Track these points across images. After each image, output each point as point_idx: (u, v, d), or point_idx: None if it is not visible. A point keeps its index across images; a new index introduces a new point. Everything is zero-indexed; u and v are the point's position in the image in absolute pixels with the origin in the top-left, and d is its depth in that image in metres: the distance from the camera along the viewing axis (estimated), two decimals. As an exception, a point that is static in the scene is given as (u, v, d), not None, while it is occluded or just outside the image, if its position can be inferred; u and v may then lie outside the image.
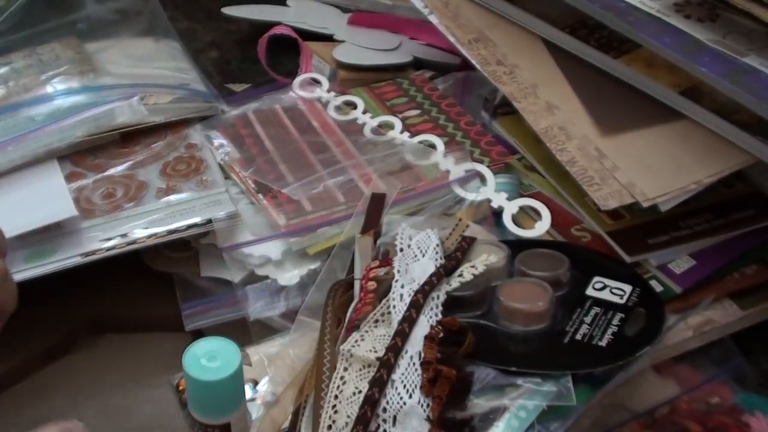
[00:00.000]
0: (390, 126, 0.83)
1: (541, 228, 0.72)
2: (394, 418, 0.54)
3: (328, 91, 0.88)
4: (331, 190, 0.75)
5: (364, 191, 0.74)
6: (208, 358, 0.54)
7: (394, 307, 0.59)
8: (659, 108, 0.71)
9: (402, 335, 0.57)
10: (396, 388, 0.55)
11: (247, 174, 0.77)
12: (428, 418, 0.54)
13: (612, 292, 0.63)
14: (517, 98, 0.74)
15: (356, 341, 0.58)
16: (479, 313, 0.61)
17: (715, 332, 0.67)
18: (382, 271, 0.63)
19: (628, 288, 0.63)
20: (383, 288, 0.62)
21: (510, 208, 0.73)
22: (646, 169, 0.68)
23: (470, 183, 0.75)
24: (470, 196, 0.74)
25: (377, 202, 0.71)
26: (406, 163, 0.77)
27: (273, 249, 0.70)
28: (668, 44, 0.68)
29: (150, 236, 0.70)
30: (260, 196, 0.74)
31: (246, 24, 1.05)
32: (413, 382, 0.55)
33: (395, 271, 0.62)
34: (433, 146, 0.79)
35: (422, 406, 0.54)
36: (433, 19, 0.83)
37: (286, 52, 0.98)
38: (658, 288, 0.66)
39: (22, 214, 0.71)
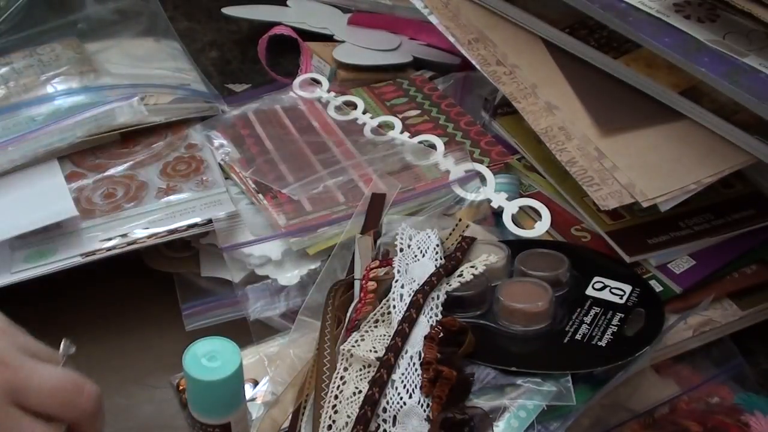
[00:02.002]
0: (390, 126, 0.83)
1: (541, 228, 0.72)
2: (394, 418, 0.54)
3: (328, 91, 0.88)
4: (331, 190, 0.75)
5: (364, 191, 0.74)
6: (208, 358, 0.54)
7: (394, 307, 0.59)
8: (659, 108, 0.71)
9: (402, 335, 0.57)
10: (396, 388, 0.55)
11: (247, 174, 0.77)
12: (428, 418, 0.54)
13: (612, 292, 0.63)
14: (517, 98, 0.74)
15: (356, 341, 0.58)
16: (479, 313, 0.61)
17: (714, 332, 0.67)
18: (382, 271, 0.63)
19: (627, 288, 0.63)
20: (383, 288, 0.62)
21: (510, 208, 0.73)
22: (645, 169, 0.68)
23: (470, 183, 0.75)
24: (470, 196, 0.74)
25: (377, 202, 0.71)
26: (406, 163, 0.77)
27: (273, 249, 0.70)
28: (668, 44, 0.68)
29: (150, 236, 0.70)
30: (260, 196, 0.74)
31: (246, 24, 1.05)
32: (413, 382, 0.55)
33: (395, 271, 0.62)
34: (433, 146, 0.79)
35: (422, 406, 0.54)
36: (433, 19, 0.83)
37: (286, 52, 0.98)
38: (658, 288, 0.66)
39: (22, 214, 0.71)
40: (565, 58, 0.77)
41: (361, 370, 0.57)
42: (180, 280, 0.73)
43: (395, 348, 0.56)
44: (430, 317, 0.59)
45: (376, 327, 0.60)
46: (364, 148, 0.80)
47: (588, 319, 0.61)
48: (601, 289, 0.63)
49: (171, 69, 0.90)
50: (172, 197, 0.74)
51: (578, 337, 0.59)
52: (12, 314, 0.67)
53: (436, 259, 0.64)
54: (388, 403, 0.55)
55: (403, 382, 0.55)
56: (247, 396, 0.60)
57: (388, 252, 0.66)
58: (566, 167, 0.69)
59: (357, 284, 0.63)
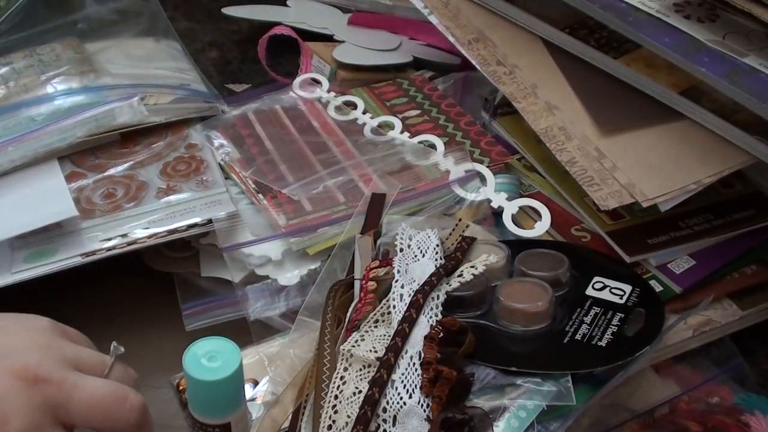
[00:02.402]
0: (390, 126, 0.83)
1: (541, 228, 0.72)
2: (394, 418, 0.54)
3: (328, 91, 0.88)
4: (331, 190, 0.75)
5: (364, 191, 0.74)
6: (208, 358, 0.54)
7: (394, 307, 0.60)
8: (659, 108, 0.71)
9: (402, 335, 0.57)
10: (396, 388, 0.55)
11: (247, 174, 0.77)
12: (428, 418, 0.54)
13: (612, 292, 0.63)
14: (517, 98, 0.75)
15: (356, 341, 0.58)
16: (479, 313, 0.61)
17: (714, 332, 0.67)
18: (382, 271, 0.63)
19: (627, 288, 0.63)
20: (383, 288, 0.62)
21: (510, 208, 0.73)
22: (645, 169, 0.68)
23: (470, 183, 0.75)
24: (470, 196, 0.74)
25: (377, 202, 0.71)
26: (406, 163, 0.77)
27: (273, 249, 0.70)
28: (668, 44, 0.68)
29: (150, 236, 0.70)
30: (260, 196, 0.74)
31: (246, 24, 1.05)
32: (413, 382, 0.55)
33: (395, 271, 0.62)
34: (433, 146, 0.79)
35: (422, 406, 0.54)
36: (433, 19, 0.83)
37: (286, 52, 0.98)
38: (658, 288, 0.66)
39: (22, 214, 0.71)
40: (565, 58, 0.77)
41: (361, 370, 0.57)
42: (180, 280, 0.73)
43: (395, 348, 0.56)
44: (430, 317, 0.59)
45: (376, 327, 0.60)
46: (364, 148, 0.80)
47: (588, 319, 0.61)
48: (601, 289, 0.63)
49: (171, 69, 0.90)
50: (172, 197, 0.74)
51: (578, 337, 0.59)
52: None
53: (436, 259, 0.64)
54: (388, 403, 0.55)
55: (403, 382, 0.55)
56: (247, 396, 0.60)
57: (388, 252, 0.66)
58: (566, 167, 0.69)
59: (357, 284, 0.63)
